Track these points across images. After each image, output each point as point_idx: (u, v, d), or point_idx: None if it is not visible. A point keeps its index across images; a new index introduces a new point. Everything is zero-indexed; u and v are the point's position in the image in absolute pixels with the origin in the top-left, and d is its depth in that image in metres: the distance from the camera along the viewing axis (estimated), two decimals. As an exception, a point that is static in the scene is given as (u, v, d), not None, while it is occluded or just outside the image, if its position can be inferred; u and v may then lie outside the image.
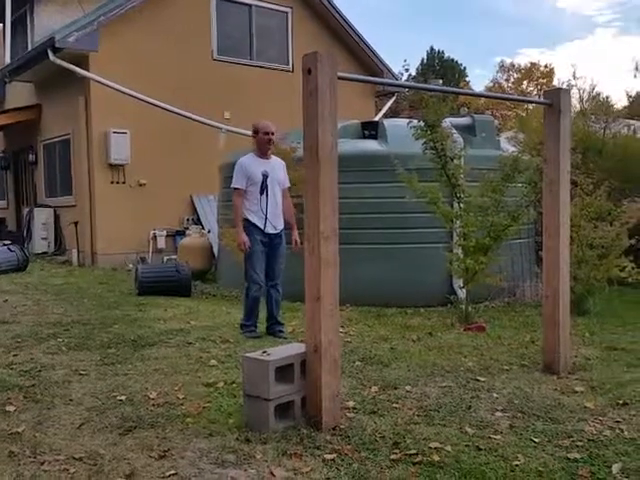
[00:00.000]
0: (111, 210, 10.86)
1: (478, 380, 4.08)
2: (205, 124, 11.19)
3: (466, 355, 4.77)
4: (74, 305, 6.79)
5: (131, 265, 10.40)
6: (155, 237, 11.32)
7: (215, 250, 9.59)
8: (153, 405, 3.49)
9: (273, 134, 5.38)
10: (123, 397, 3.61)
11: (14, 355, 4.55)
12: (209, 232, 10.42)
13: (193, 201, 11.81)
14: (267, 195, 5.27)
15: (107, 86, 10.44)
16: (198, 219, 11.61)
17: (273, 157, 5.51)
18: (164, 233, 11.37)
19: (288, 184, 5.58)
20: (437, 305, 6.97)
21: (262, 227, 5.28)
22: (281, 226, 5.41)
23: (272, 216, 5.31)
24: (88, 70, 10.66)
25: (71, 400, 3.58)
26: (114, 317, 6.07)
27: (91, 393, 3.71)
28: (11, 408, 3.42)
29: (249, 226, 5.27)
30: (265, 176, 5.26)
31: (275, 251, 5.40)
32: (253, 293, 5.36)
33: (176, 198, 11.47)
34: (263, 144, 5.37)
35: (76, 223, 11.31)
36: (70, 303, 6.91)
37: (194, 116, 11.06)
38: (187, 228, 10.82)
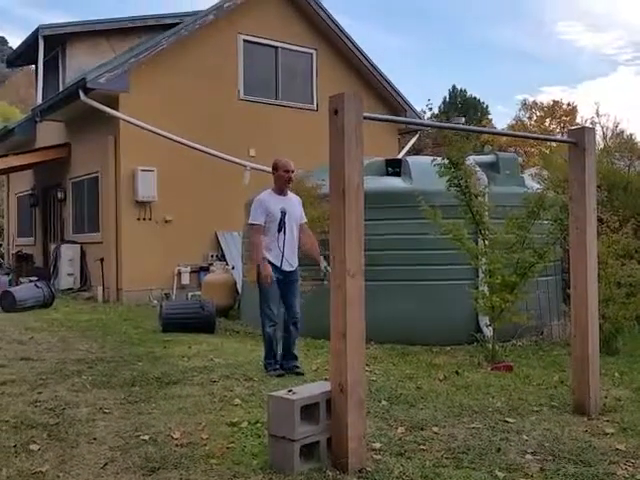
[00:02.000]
0: (137, 246, 11.00)
1: (507, 421, 3.99)
2: (230, 161, 11.37)
3: (494, 395, 4.68)
4: (98, 342, 6.83)
5: (155, 301, 10.47)
6: (179, 273, 11.41)
7: (239, 287, 9.61)
8: (177, 445, 3.47)
9: (293, 172, 5.44)
10: (147, 436, 3.60)
11: (38, 393, 4.57)
12: (233, 268, 10.46)
13: (217, 237, 11.91)
14: (285, 232, 5.29)
15: (136, 125, 10.70)
16: (222, 255, 11.69)
17: (290, 193, 5.56)
18: (188, 269, 11.45)
19: (305, 219, 5.62)
20: (463, 343, 6.86)
21: (279, 265, 5.29)
22: (296, 263, 5.44)
23: (289, 253, 5.33)
24: (118, 110, 10.94)
25: (95, 439, 3.57)
26: (138, 354, 6.08)
27: (115, 432, 3.69)
28: (35, 447, 3.41)
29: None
30: (284, 213, 5.30)
31: (291, 287, 5.41)
32: (268, 329, 5.35)
33: (201, 234, 11.59)
34: (282, 181, 5.42)
35: (102, 259, 11.46)
36: (95, 340, 6.96)
37: (219, 154, 11.25)
38: (211, 264, 10.89)
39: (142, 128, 10.69)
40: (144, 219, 11.26)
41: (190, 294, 10.71)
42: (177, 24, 12.08)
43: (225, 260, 11.37)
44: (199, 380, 4.99)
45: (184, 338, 7.03)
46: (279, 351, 5.47)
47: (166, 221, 11.38)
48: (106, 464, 3.19)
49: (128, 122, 10.76)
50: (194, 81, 11.71)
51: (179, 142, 10.90)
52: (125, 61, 11.09)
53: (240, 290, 9.51)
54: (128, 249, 11.03)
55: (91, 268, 12.07)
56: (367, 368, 5.15)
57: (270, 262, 5.26)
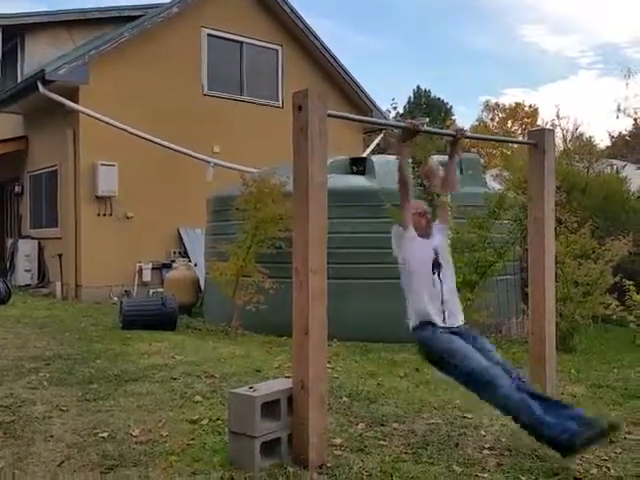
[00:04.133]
0: (97, 242, 10.79)
1: (465, 417, 4.06)
2: (194, 157, 11.26)
3: (453, 391, 4.74)
4: (56, 339, 6.68)
5: (116, 298, 10.30)
6: (141, 270, 11.24)
7: (202, 283, 9.54)
8: (136, 442, 3.42)
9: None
10: (105, 434, 3.54)
11: (-6, 390, 4.46)
12: (196, 265, 10.37)
13: (180, 234, 11.78)
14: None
15: (96, 119, 10.49)
16: (185, 252, 11.57)
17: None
18: (150, 266, 11.30)
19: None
20: (424, 341, 6.94)
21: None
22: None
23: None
24: (77, 102, 10.71)
25: (51, 437, 3.50)
26: (97, 351, 5.97)
27: (72, 430, 3.63)
28: (-10, 444, 3.33)
29: None
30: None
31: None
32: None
33: (163, 231, 11.44)
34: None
35: (60, 255, 11.22)
36: (52, 337, 6.80)
37: (183, 149, 11.13)
38: (174, 261, 10.76)
39: (102, 121, 10.48)
40: (104, 215, 11.05)
41: (152, 291, 10.57)
42: (141, 16, 11.87)
43: (188, 257, 11.26)
44: (159, 377, 4.93)
45: (145, 335, 6.94)
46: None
47: (127, 217, 11.19)
48: (63, 462, 3.13)
49: (88, 115, 10.54)
50: (157, 75, 11.54)
51: (141, 137, 10.74)
52: (85, 52, 10.85)
53: (203, 287, 9.43)
54: (88, 245, 10.82)
55: (49, 264, 11.81)
56: (329, 365, 5.17)
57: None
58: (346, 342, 6.68)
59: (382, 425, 3.84)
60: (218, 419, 3.81)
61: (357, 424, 3.84)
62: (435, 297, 3.60)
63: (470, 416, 4.07)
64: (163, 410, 4.04)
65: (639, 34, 46.17)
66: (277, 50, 13.31)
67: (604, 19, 48.80)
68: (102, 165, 10.82)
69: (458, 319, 3.65)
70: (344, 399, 4.39)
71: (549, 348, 4.33)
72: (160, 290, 10.17)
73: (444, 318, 3.58)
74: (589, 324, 7.09)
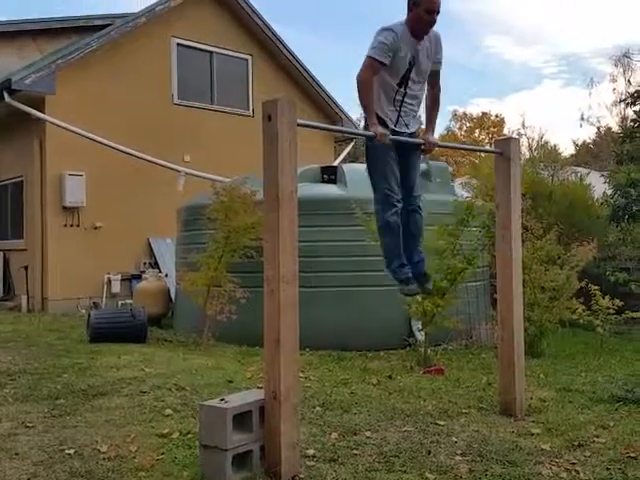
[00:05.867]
0: (64, 254, 10.60)
1: (438, 424, 4.08)
2: (163, 167, 11.15)
3: (425, 398, 4.77)
4: (22, 353, 6.53)
5: (83, 311, 10.12)
6: (110, 281, 11.07)
7: (172, 294, 9.43)
8: (104, 459, 3.35)
9: (438, 14, 3.76)
10: (72, 451, 3.46)
11: (-44, 407, 4.33)
12: (166, 276, 10.25)
13: (150, 244, 11.64)
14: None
15: (63, 128, 10.32)
16: (155, 262, 11.43)
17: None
18: (119, 277, 11.13)
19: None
20: (397, 348, 6.98)
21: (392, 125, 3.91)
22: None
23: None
24: (44, 112, 10.53)
25: (17, 454, 3.41)
26: (64, 366, 5.85)
27: (38, 446, 3.54)
28: (-48, 464, 3.23)
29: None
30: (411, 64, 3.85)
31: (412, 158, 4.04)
32: (388, 217, 3.91)
33: (133, 241, 11.29)
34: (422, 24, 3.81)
35: (26, 267, 10.98)
36: (18, 351, 6.64)
37: (152, 158, 11.01)
38: (143, 272, 10.63)
39: (70, 130, 10.33)
40: (71, 225, 10.86)
41: (121, 303, 10.42)
42: (109, 26, 11.76)
43: (158, 267, 11.12)
44: (128, 391, 4.85)
45: (113, 348, 6.82)
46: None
47: (95, 227, 11.02)
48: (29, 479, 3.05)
49: (55, 124, 10.37)
50: (126, 84, 11.42)
51: (110, 146, 10.60)
52: (52, 62, 10.69)
53: (173, 298, 9.33)
54: (54, 257, 10.62)
55: (15, 276, 11.55)
56: (302, 374, 5.16)
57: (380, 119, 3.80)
58: (319, 351, 6.67)
59: (355, 434, 3.84)
60: (189, 433, 3.76)
61: (330, 434, 3.82)
62: None
63: (442, 423, 4.09)
64: (132, 425, 3.97)
65: (601, 45, 47.42)
66: (247, 60, 13.30)
67: (568, 30, 50.05)
68: (69, 175, 10.65)
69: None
70: (317, 409, 4.38)
71: (517, 353, 4.38)
72: (129, 302, 10.02)
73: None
74: (557, 329, 7.20)
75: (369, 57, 3.72)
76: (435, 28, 3.84)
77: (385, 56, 3.69)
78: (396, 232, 3.94)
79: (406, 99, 3.86)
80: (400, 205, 3.90)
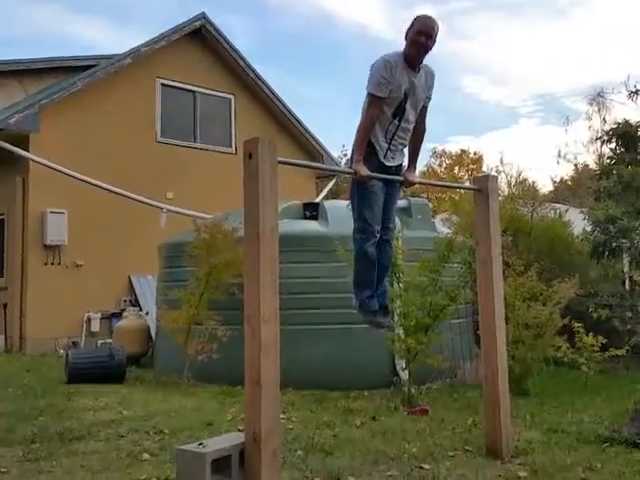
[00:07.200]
0: (44, 292, 10.44)
1: (422, 468, 3.98)
2: (146, 204, 11.11)
3: (410, 441, 4.67)
4: (-3, 395, 6.35)
5: (62, 350, 9.92)
6: (89, 320, 10.89)
7: (153, 333, 9.27)
8: (78, 506, 3.22)
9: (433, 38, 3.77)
10: (45, 498, 3.33)
11: None
12: (147, 314, 10.10)
13: (131, 281, 11.51)
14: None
15: (47, 166, 10.28)
16: (136, 300, 11.28)
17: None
18: (99, 315, 10.97)
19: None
20: (381, 387, 6.88)
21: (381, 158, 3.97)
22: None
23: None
24: (28, 150, 10.52)
25: (-14, 503, 3.27)
26: (40, 408, 5.68)
27: (9, 494, 3.40)
28: None
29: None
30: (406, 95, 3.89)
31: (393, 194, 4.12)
32: (365, 247, 3.94)
33: (114, 278, 11.17)
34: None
35: (5, 306, 10.79)
36: (-7, 393, 6.47)
37: (134, 196, 10.97)
38: (124, 310, 10.47)
39: (53, 169, 10.28)
40: (52, 263, 10.74)
41: (100, 342, 10.23)
42: (93, 66, 11.85)
43: (139, 305, 10.98)
44: (105, 435, 4.71)
45: (91, 389, 6.65)
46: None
47: (77, 265, 10.90)
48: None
49: (38, 163, 10.34)
50: (110, 122, 11.47)
51: (92, 184, 10.55)
52: (36, 102, 10.75)
53: (154, 336, 9.17)
54: (34, 295, 10.45)
55: (-8, 315, 11.31)
56: (283, 416, 5.05)
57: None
58: (301, 390, 6.55)
59: (338, 479, 3.73)
60: (167, 479, 3.63)
61: (312, 479, 3.72)
62: None
63: (427, 467, 3.99)
64: (108, 470, 3.83)
65: (575, 84, 48.67)
66: (230, 99, 13.46)
67: (542, 70, 51.31)
68: (51, 213, 10.60)
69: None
70: (299, 452, 4.26)
71: (502, 392, 4.32)
72: (109, 341, 9.84)
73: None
74: (542, 367, 7.15)
75: (370, 94, 3.75)
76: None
77: (385, 90, 3.71)
78: (372, 262, 3.99)
79: (398, 132, 3.88)
80: (378, 236, 3.94)
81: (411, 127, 3.97)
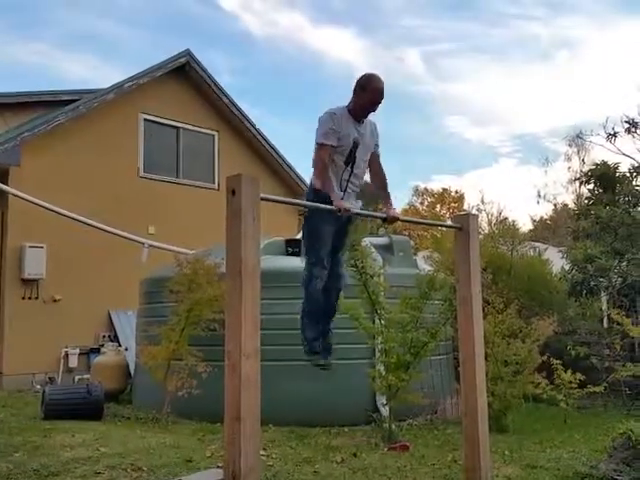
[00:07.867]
0: (20, 327, 10.28)
1: (402, 504, 3.97)
2: (127, 238, 11.08)
3: (390, 477, 4.67)
4: (-30, 432, 6.21)
5: (39, 386, 9.74)
6: (67, 355, 10.72)
7: (132, 369, 9.16)
8: None
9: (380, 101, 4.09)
10: (18, 537, 3.26)
11: None
12: (126, 349, 9.99)
13: (111, 317, 11.39)
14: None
15: (27, 201, 10.24)
16: (115, 336, 11.15)
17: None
18: (77, 351, 10.79)
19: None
20: (362, 423, 6.86)
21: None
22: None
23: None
24: (7, 184, 10.47)
25: (-43, 543, 3.20)
26: (16, 444, 5.57)
27: (-19, 534, 3.33)
28: None
29: None
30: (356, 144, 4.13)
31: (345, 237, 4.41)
32: (314, 286, 4.16)
33: (93, 314, 11.04)
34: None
35: (-20, 341, 10.59)
36: (-34, 430, 6.33)
37: (115, 230, 10.93)
38: (102, 345, 10.35)
39: (33, 203, 10.24)
40: (30, 298, 10.60)
41: (78, 378, 10.07)
42: (76, 100, 11.92)
43: (118, 341, 10.85)
44: (82, 472, 4.63)
45: (68, 426, 6.54)
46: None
47: (55, 300, 10.76)
48: None
49: (18, 197, 10.29)
50: (92, 157, 11.48)
51: (73, 218, 10.52)
52: (18, 134, 10.72)
53: (133, 372, 9.06)
54: (11, 330, 10.27)
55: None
56: (264, 452, 5.02)
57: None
58: (282, 427, 6.51)
59: (317, 516, 3.71)
60: (144, 516, 3.59)
61: (292, 516, 3.69)
62: None
63: (407, 502, 4.00)
64: (84, 508, 3.77)
65: (554, 125, 49.81)
66: (214, 135, 13.58)
67: (521, 111, 52.52)
68: (30, 247, 10.49)
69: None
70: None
71: (482, 429, 4.33)
72: (87, 377, 9.70)
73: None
74: (521, 403, 7.20)
75: (319, 144, 4.00)
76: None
77: (333, 138, 3.96)
78: (322, 299, 4.16)
79: (351, 178, 4.10)
80: (326, 272, 4.12)
81: (363, 175, 4.22)
